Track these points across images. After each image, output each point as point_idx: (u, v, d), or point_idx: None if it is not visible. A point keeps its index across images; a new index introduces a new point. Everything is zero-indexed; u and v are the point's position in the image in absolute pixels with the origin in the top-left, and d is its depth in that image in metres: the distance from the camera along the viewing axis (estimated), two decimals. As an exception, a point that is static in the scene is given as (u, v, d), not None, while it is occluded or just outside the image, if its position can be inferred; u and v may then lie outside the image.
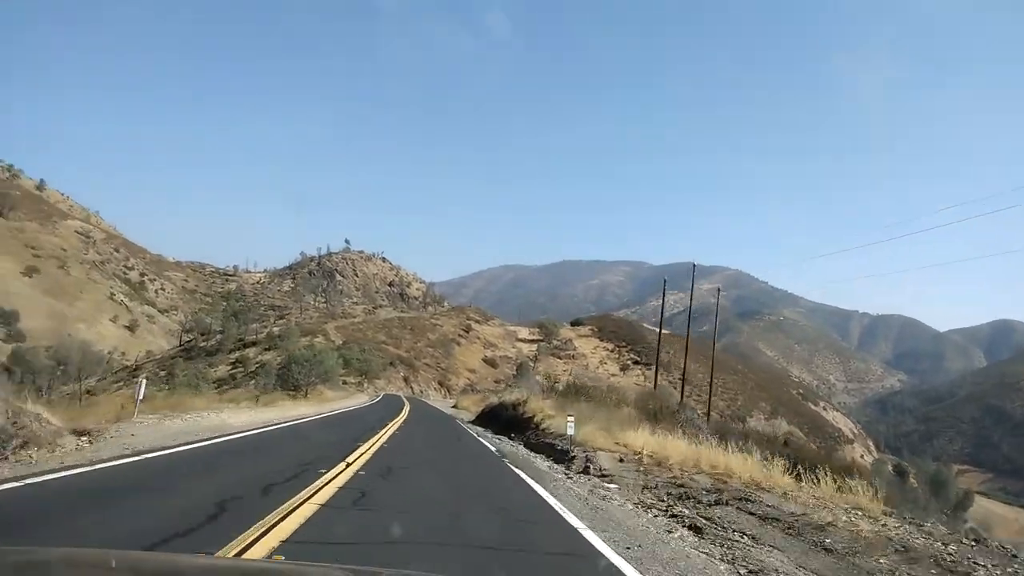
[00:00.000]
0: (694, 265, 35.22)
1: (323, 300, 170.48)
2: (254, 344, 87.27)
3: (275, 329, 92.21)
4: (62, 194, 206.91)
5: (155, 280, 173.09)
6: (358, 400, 44.37)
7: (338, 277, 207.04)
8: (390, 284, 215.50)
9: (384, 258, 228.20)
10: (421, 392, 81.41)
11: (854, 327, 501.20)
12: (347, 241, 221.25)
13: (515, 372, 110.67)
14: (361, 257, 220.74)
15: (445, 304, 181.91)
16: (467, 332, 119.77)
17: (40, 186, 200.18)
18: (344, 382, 58.12)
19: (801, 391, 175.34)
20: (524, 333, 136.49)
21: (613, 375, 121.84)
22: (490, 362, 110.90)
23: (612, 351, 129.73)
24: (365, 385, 63.45)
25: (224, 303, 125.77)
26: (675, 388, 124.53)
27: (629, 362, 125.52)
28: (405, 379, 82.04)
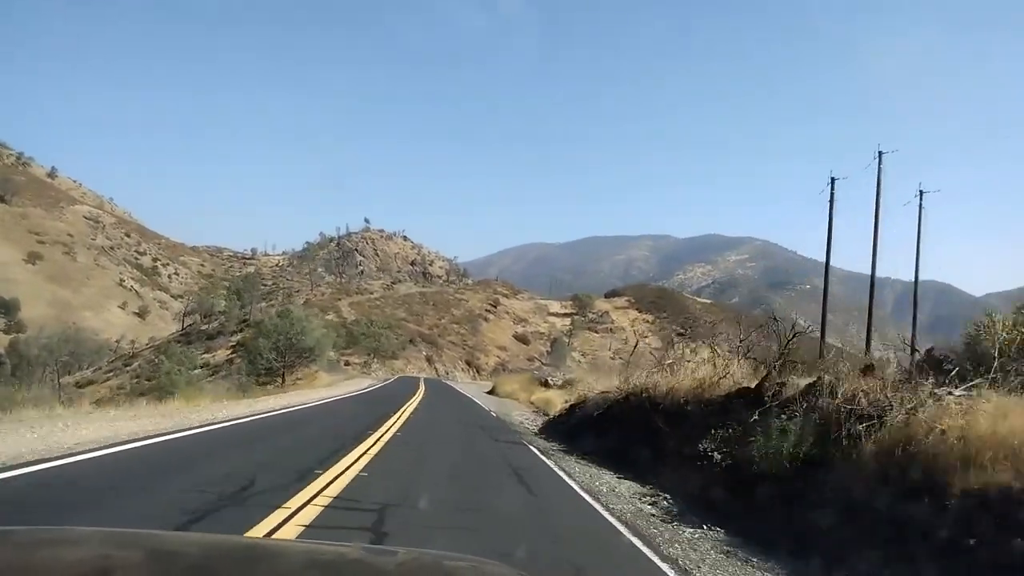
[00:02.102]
0: (880, 154, 21.86)
1: (337, 278, 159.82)
2: (259, 324, 76.63)
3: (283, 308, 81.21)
4: (75, 181, 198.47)
5: (168, 265, 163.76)
6: (349, 388, 29.80)
7: (358, 257, 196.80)
8: (412, 263, 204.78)
9: (405, 237, 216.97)
10: (447, 373, 69.84)
11: (887, 295, 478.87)
12: (367, 220, 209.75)
13: (549, 348, 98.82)
14: (381, 236, 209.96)
15: (469, 280, 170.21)
16: (495, 307, 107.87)
17: (52, 173, 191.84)
18: (346, 363, 46.92)
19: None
20: (556, 307, 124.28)
21: (656, 349, 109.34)
22: (521, 338, 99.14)
23: (652, 323, 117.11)
24: (373, 366, 51.57)
25: (226, 282, 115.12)
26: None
27: (672, 334, 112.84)
28: (428, 359, 70.46)
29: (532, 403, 25.37)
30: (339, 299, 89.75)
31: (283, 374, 27.62)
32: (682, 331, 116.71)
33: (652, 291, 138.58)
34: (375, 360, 53.18)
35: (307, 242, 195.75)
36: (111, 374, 75.03)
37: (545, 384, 31.72)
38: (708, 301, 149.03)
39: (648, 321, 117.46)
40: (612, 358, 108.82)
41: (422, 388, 31.54)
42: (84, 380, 74.16)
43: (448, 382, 52.13)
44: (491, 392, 36.88)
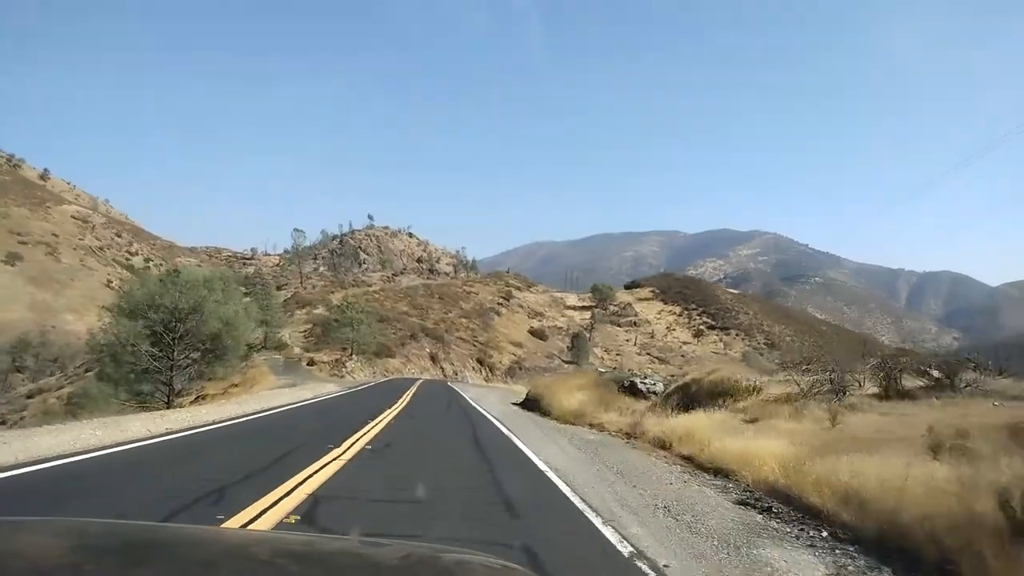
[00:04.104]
0: None
1: (336, 272, 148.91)
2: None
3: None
4: (68, 183, 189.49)
5: (162, 265, 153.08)
6: (270, 404, 16.58)
7: (362, 255, 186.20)
8: (418, 260, 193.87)
9: (411, 233, 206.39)
10: (455, 374, 58.29)
11: (901, 286, 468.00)
12: (370, 217, 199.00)
13: (569, 344, 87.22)
14: (386, 233, 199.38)
15: (477, 272, 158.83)
16: (507, 300, 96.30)
17: (44, 175, 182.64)
18: (310, 362, 35.63)
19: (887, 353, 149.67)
20: (573, 300, 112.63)
21: (686, 343, 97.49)
22: (538, 334, 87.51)
23: (680, 315, 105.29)
24: (350, 365, 39.55)
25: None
26: (761, 355, 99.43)
27: (703, 327, 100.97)
28: (432, 357, 58.86)
29: (686, 458, 9.91)
30: (332, 292, 78.31)
31: (170, 382, 16.25)
32: (712, 323, 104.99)
33: (678, 281, 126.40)
34: (353, 357, 40.70)
35: (295, 229, 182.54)
36: (68, 381, 64.00)
37: (631, 390, 17.68)
38: (736, 291, 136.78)
39: (675, 313, 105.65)
40: (639, 354, 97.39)
41: (400, 406, 18.13)
42: (36, 389, 63.49)
43: (455, 385, 39.35)
44: (529, 406, 21.91)
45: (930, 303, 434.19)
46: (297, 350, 41.43)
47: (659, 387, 17.17)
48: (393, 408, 17.03)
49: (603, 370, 28.01)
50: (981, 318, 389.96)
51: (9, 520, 1.80)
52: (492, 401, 25.26)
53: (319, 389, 24.60)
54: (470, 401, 24.29)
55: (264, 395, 17.47)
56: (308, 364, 36.84)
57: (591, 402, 16.86)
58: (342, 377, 35.07)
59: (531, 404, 21.90)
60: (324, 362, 38.64)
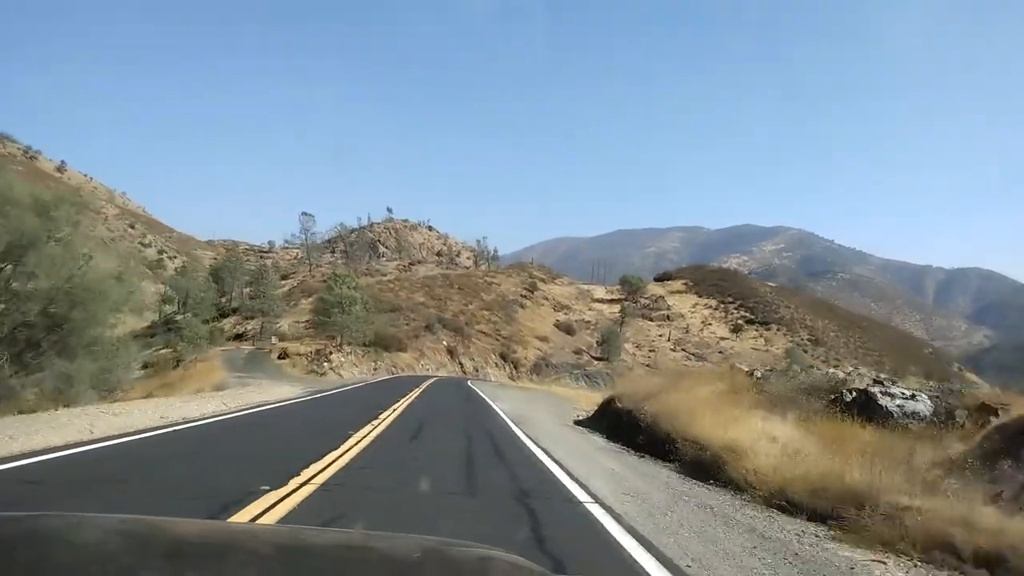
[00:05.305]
0: None
1: (349, 262, 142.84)
2: (235, 312, 60.99)
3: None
4: (85, 175, 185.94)
5: (176, 258, 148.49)
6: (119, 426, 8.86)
7: (381, 248, 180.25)
8: (438, 254, 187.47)
9: (431, 227, 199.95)
10: (476, 370, 51.28)
11: (928, 283, 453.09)
12: (389, 210, 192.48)
13: (600, 340, 80.00)
14: (405, 226, 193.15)
15: (498, 263, 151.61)
16: (532, 292, 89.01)
17: (61, 167, 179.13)
18: (282, 355, 28.84)
19: (931, 350, 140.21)
20: (601, 292, 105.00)
21: (723, 339, 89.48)
22: (565, 327, 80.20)
23: (716, 308, 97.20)
24: (336, 359, 32.13)
25: (208, 264, 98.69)
26: (805, 351, 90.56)
27: (741, 321, 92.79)
28: (449, 351, 51.80)
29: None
30: (342, 281, 71.72)
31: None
32: (751, 317, 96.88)
33: (712, 273, 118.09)
34: (343, 348, 33.01)
35: (304, 212, 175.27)
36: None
37: (862, 409, 8.24)
38: (775, 284, 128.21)
39: (711, 307, 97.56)
40: (673, 350, 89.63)
41: (335, 464, 7.08)
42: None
43: (476, 386, 29.48)
44: (640, 444, 10.70)
45: (958, 300, 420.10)
46: (274, 339, 34.95)
47: (923, 405, 8.98)
48: (295, 489, 5.73)
49: (754, 369, 17.78)
50: (1013, 315, 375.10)
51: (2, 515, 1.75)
52: (548, 425, 14.55)
53: (255, 396, 16.47)
54: (509, 424, 14.11)
55: (121, 410, 9.94)
56: (280, 357, 29.52)
57: (818, 446, 7.00)
58: (322, 375, 27.79)
59: (640, 437, 10.84)
60: (300, 354, 31.11)
